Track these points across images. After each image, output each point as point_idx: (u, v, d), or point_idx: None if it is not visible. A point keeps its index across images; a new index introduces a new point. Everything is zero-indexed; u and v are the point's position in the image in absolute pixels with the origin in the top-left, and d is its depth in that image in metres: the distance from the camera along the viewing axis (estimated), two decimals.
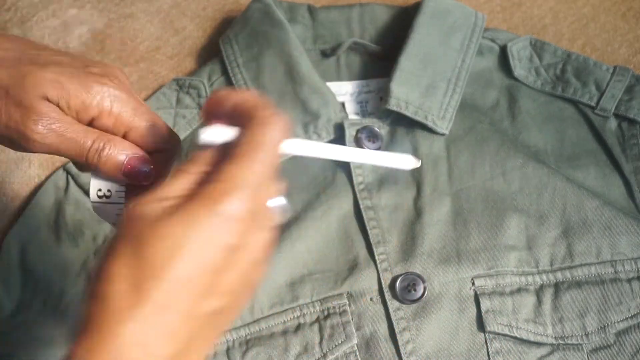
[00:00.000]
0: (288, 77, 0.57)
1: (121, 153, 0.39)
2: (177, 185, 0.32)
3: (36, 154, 0.56)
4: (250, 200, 0.32)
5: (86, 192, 0.55)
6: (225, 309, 0.33)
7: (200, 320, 0.31)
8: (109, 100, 0.38)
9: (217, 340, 0.34)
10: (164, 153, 0.40)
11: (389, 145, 0.57)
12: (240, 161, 0.32)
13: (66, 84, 0.38)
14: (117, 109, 0.39)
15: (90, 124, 0.39)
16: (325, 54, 0.63)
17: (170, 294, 0.30)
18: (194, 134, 0.58)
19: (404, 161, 0.40)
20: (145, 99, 0.59)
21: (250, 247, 0.33)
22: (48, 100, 0.38)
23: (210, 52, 0.65)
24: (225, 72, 0.60)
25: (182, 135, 0.57)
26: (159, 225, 0.30)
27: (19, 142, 0.38)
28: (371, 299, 0.52)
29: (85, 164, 0.39)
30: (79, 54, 0.61)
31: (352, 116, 0.60)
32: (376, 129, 0.56)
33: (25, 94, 0.37)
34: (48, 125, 0.37)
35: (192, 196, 0.31)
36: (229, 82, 0.59)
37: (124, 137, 0.39)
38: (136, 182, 0.39)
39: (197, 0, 0.67)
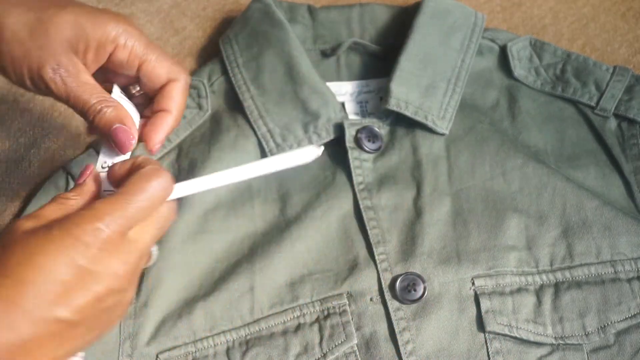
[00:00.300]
0: (288, 77, 0.57)
1: (113, 120, 0.44)
2: (54, 209, 0.38)
3: (36, 155, 0.56)
4: (109, 232, 0.36)
5: None
6: (78, 326, 0.36)
7: (47, 324, 0.35)
8: (123, 36, 0.44)
9: (70, 354, 0.38)
10: (177, 82, 0.46)
11: (388, 145, 0.57)
12: (111, 200, 0.37)
13: (85, 24, 0.43)
14: (130, 43, 0.44)
15: (108, 59, 0.44)
16: (325, 54, 0.63)
17: (14, 291, 0.34)
18: (194, 134, 0.58)
19: (307, 154, 0.43)
20: None
21: (104, 274, 0.36)
22: (70, 44, 0.43)
23: (210, 52, 0.65)
24: (225, 72, 0.60)
25: (182, 135, 0.58)
26: (22, 237, 0.35)
27: (36, 84, 0.43)
28: (371, 299, 0.52)
29: (84, 117, 0.44)
30: None
31: (352, 116, 0.60)
32: (376, 129, 0.56)
33: (48, 39, 0.42)
34: (64, 77, 0.42)
35: (59, 219, 0.36)
36: (229, 82, 0.59)
37: (138, 69, 0.45)
38: (119, 148, 0.44)
39: (197, 0, 0.67)
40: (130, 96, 0.48)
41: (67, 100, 0.43)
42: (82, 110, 0.44)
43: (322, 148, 0.43)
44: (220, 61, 0.61)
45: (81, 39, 0.43)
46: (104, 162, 0.44)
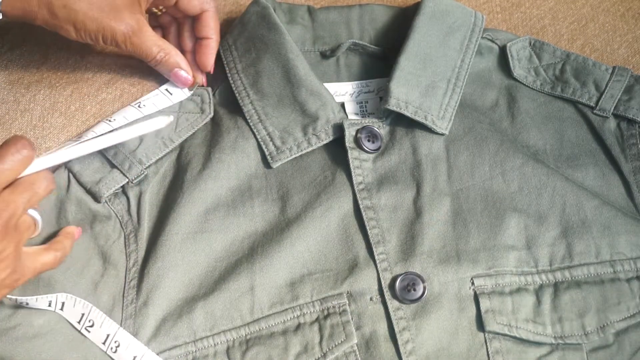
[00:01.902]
0: (286, 80, 0.57)
1: (173, 65, 0.57)
2: None
3: (36, 155, 0.57)
4: None
5: (88, 191, 0.55)
6: None
7: None
8: None
9: None
10: (209, 12, 0.58)
11: (388, 145, 0.57)
12: None
13: None
14: None
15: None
16: (324, 55, 0.63)
17: None
18: (195, 135, 0.58)
19: (157, 122, 0.53)
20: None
21: None
22: (131, 3, 0.53)
23: None
24: (225, 78, 0.60)
25: (184, 136, 0.58)
26: None
27: (107, 43, 0.54)
28: (371, 299, 0.52)
29: (147, 63, 0.57)
30: (81, 54, 0.61)
31: (352, 116, 0.60)
32: (376, 129, 0.57)
33: (115, 9, 0.52)
34: (131, 36, 0.54)
35: None
36: (229, 88, 0.59)
37: (176, 1, 0.57)
38: (181, 85, 0.58)
39: None
40: (155, 14, 0.60)
41: (133, 53, 0.55)
42: (146, 60, 0.56)
43: (172, 118, 0.55)
44: (220, 67, 0.61)
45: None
46: (166, 88, 0.58)
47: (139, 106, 0.57)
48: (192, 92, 0.59)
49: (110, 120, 0.56)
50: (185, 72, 0.57)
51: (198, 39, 0.59)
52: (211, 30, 0.58)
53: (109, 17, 0.52)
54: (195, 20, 0.59)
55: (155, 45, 0.55)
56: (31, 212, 0.48)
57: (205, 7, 0.57)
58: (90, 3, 0.52)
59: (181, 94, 0.59)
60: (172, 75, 0.58)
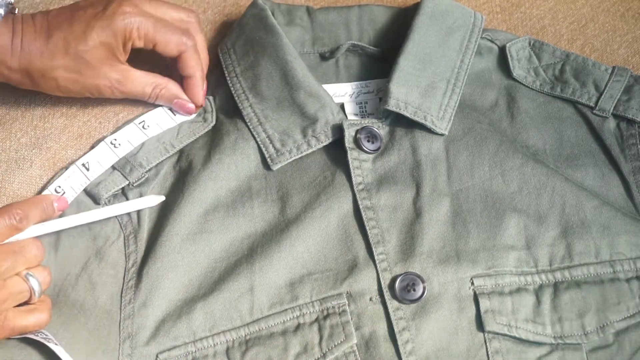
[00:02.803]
0: (284, 83, 0.57)
1: (171, 98, 0.57)
2: None
3: (37, 155, 0.57)
4: None
5: (88, 193, 0.55)
6: None
7: None
8: (135, 29, 0.54)
9: None
10: (186, 52, 0.56)
11: (388, 145, 0.57)
12: None
13: (107, 39, 0.53)
14: (143, 32, 0.54)
15: (131, 48, 0.55)
16: (323, 57, 0.63)
17: None
18: (197, 140, 0.58)
19: (149, 201, 0.54)
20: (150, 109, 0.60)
21: None
22: (108, 58, 0.53)
23: (210, 54, 0.65)
24: (225, 81, 0.60)
25: (185, 142, 0.58)
26: None
27: (96, 97, 0.55)
28: (370, 299, 0.52)
29: (147, 101, 0.58)
30: None
31: (352, 117, 0.60)
32: (375, 130, 0.57)
33: (93, 68, 0.53)
34: (118, 86, 0.54)
35: None
36: (229, 91, 0.59)
37: (153, 47, 0.55)
38: (185, 114, 0.59)
39: (198, 2, 0.67)
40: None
41: (128, 95, 0.56)
42: (142, 99, 0.57)
43: (163, 197, 0.54)
44: (220, 71, 0.61)
45: (113, 51, 0.54)
46: (169, 108, 0.59)
47: (143, 127, 0.57)
48: (194, 115, 0.59)
49: (115, 146, 0.56)
50: (185, 100, 0.58)
51: (183, 78, 0.58)
52: (192, 68, 0.57)
53: (89, 77, 0.53)
54: (177, 60, 0.57)
55: (148, 85, 0.56)
56: (31, 280, 0.47)
57: (182, 49, 0.56)
58: (66, 68, 0.52)
59: (184, 115, 0.60)
60: (174, 106, 0.58)
